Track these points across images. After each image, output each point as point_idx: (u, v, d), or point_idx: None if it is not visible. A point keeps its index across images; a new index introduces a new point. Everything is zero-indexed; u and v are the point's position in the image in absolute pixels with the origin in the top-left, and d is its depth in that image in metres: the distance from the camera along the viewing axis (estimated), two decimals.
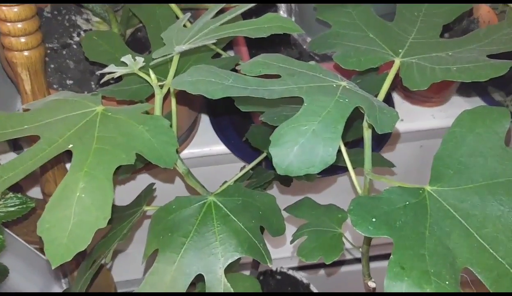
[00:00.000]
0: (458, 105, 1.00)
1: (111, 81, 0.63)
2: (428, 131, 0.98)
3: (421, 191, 0.45)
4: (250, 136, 0.75)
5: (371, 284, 0.64)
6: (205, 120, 0.94)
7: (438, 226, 0.43)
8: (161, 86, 0.55)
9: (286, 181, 0.81)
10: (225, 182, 0.74)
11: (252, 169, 0.75)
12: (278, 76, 0.47)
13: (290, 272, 1.10)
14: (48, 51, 0.82)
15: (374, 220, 0.42)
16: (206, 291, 0.52)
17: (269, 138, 0.74)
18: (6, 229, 0.67)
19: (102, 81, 0.58)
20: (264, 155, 0.74)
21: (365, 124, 0.49)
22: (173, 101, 0.58)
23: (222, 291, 0.52)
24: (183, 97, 0.74)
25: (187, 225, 0.53)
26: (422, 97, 0.99)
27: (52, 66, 0.81)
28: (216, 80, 0.43)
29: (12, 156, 0.86)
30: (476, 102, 1.00)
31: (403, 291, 0.39)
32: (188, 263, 0.51)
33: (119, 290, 0.96)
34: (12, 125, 0.49)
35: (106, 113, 0.49)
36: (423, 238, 0.42)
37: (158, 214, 0.54)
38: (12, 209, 0.59)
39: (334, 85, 0.45)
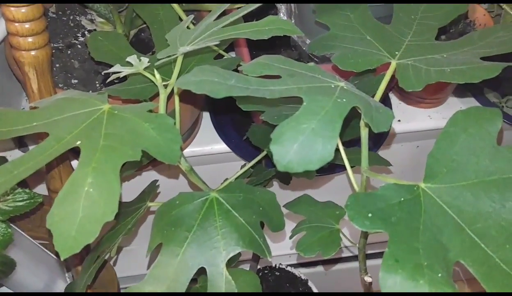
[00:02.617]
0: (454, 106, 1.02)
1: (116, 81, 0.65)
2: (425, 132, 1.00)
3: (415, 188, 0.47)
4: (251, 135, 0.77)
5: (367, 279, 0.66)
6: (206, 120, 0.96)
7: (431, 221, 0.45)
8: (165, 86, 0.57)
9: (285, 179, 0.82)
10: (226, 179, 0.76)
11: (252, 167, 0.76)
12: (278, 77, 0.48)
13: (289, 268, 1.12)
14: (53, 51, 0.83)
15: (370, 215, 0.44)
16: (208, 283, 0.54)
17: (269, 137, 0.76)
18: (12, 225, 0.69)
19: (108, 80, 0.60)
20: (264, 153, 0.76)
21: (362, 123, 0.51)
22: (177, 100, 0.60)
23: (223, 284, 0.53)
24: (185, 97, 0.76)
25: (190, 220, 0.55)
26: (419, 99, 1.01)
27: (57, 65, 0.83)
28: (220, 80, 0.45)
29: (17, 153, 0.87)
30: (471, 103, 1.02)
31: (397, 283, 0.40)
32: (191, 257, 0.53)
33: (122, 286, 0.98)
34: (21, 123, 0.51)
35: (112, 112, 0.51)
36: (417, 232, 0.44)
37: (162, 209, 0.56)
38: (21, 203, 0.61)
39: (333, 86, 0.47)
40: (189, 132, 0.92)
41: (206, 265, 0.53)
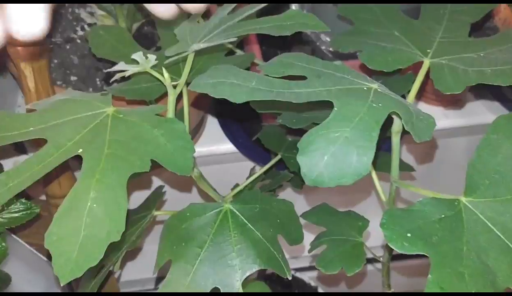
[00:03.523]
0: (471, 105, 0.97)
1: (118, 79, 0.60)
2: (441, 131, 0.95)
3: (456, 203, 0.42)
4: (263, 137, 0.72)
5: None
6: (212, 118, 0.91)
7: (475, 241, 0.40)
8: (174, 86, 0.52)
9: (298, 182, 0.78)
10: (237, 184, 0.71)
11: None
12: (303, 77, 0.43)
13: (298, 274, 1.07)
14: (51, 46, 0.78)
15: (409, 235, 0.39)
16: None
17: (283, 139, 0.71)
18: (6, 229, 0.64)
19: (112, 80, 0.55)
20: (278, 157, 0.71)
21: (394, 129, 0.46)
22: (186, 102, 0.55)
23: None
24: (191, 96, 0.71)
25: (202, 235, 0.50)
26: (435, 97, 0.96)
27: (55, 61, 0.78)
28: (239, 82, 0.40)
29: (16, 160, 0.82)
30: (490, 102, 0.97)
31: None
32: (204, 276, 0.48)
33: (123, 290, 0.94)
34: (17, 127, 0.46)
35: (117, 115, 0.46)
36: (460, 254, 0.39)
37: (170, 222, 0.51)
38: (16, 215, 0.56)
39: (365, 88, 0.42)
40: (195, 131, 0.87)
41: (220, 285, 0.48)
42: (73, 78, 0.77)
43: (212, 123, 0.90)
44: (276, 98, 0.39)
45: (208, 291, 0.48)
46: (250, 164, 0.88)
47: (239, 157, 0.89)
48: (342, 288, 1.24)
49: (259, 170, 0.70)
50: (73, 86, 0.76)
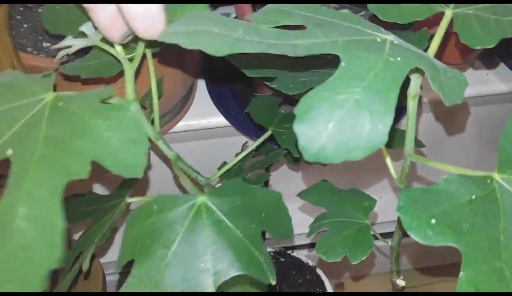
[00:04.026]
0: (480, 72, 0.90)
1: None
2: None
3: (488, 181, 0.34)
4: (252, 110, 0.63)
5: (400, 283, 0.54)
6: (202, 88, 0.83)
7: None
8: (131, 60, 0.43)
9: (295, 159, 0.70)
10: (224, 162, 0.63)
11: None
12: (301, 28, 0.35)
13: (295, 253, 1.00)
14: (21, 9, 0.71)
15: (433, 221, 0.31)
16: None
17: (276, 111, 0.63)
18: None
19: (56, 58, 0.45)
20: (268, 133, 0.62)
21: (411, 92, 0.38)
22: (153, 74, 0.46)
23: None
24: (175, 59, 0.63)
25: (171, 233, 0.41)
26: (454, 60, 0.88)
27: (25, 26, 0.70)
28: (221, 31, 0.31)
29: None
30: (500, 69, 0.91)
31: None
32: (171, 282, 0.39)
33: (107, 272, 0.87)
34: None
35: (57, 104, 0.36)
36: (497, 245, 0.31)
37: (135, 215, 0.42)
38: None
39: (379, 40, 0.33)
40: (182, 104, 0.79)
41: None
42: (45, 44, 0.70)
43: (201, 94, 0.83)
44: (268, 50, 0.31)
45: None
46: (243, 139, 0.81)
47: (231, 131, 0.82)
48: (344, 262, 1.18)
49: (249, 147, 0.62)
50: (46, 53, 0.68)
